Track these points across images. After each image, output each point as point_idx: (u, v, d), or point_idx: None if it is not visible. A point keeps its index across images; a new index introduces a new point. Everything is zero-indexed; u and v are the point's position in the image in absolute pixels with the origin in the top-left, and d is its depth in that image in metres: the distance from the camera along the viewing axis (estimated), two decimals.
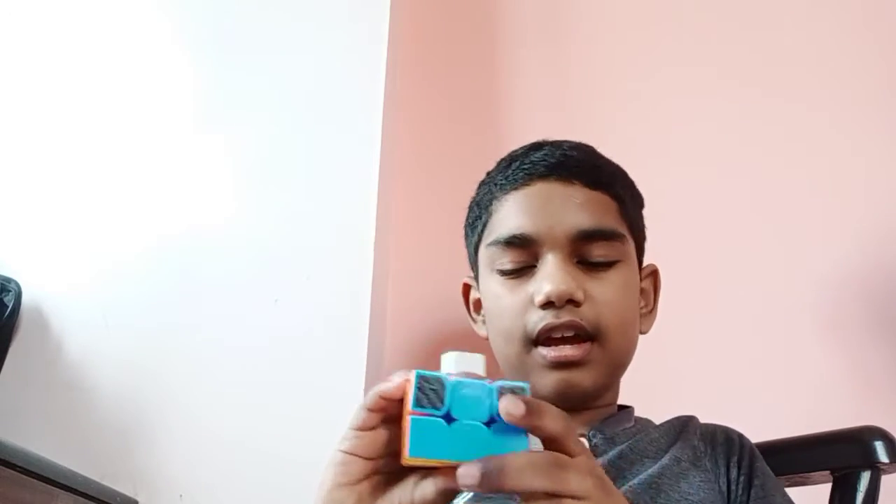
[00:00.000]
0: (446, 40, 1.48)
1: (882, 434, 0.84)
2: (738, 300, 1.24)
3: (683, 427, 0.78)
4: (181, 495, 1.05)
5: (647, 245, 0.85)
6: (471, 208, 0.85)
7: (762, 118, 1.34)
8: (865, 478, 0.83)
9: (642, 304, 0.82)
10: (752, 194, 1.30)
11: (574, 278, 0.73)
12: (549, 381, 0.74)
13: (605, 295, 0.74)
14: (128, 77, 1.31)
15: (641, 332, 0.81)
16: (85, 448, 1.07)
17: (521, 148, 0.83)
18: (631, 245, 0.79)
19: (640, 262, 0.82)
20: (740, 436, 0.79)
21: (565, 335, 0.73)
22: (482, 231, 0.81)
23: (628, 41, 1.44)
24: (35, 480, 0.85)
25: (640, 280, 0.82)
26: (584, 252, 0.75)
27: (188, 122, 1.27)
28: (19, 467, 0.82)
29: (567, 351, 0.73)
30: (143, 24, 1.34)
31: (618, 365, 0.78)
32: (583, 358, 0.73)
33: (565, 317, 0.72)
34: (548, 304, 0.72)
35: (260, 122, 1.25)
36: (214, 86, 1.29)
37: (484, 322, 0.83)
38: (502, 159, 0.84)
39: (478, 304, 0.85)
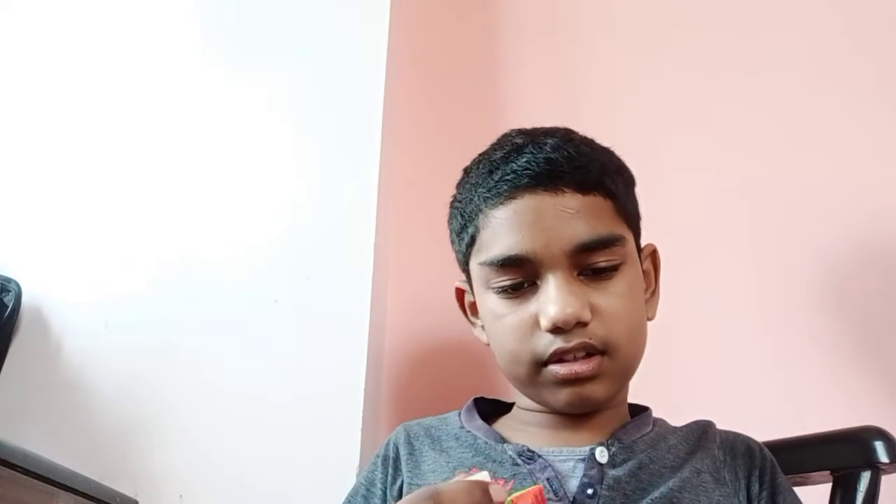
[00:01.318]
0: (447, 40, 1.48)
1: (882, 434, 0.84)
2: (738, 299, 1.24)
3: (703, 434, 0.77)
4: (181, 495, 1.05)
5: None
6: (454, 214, 0.81)
7: (763, 114, 1.34)
8: (865, 478, 0.83)
9: (644, 287, 0.79)
10: (752, 191, 1.30)
11: (578, 296, 0.70)
12: (561, 396, 0.72)
13: (613, 306, 0.71)
14: (128, 78, 1.31)
15: (648, 319, 0.79)
16: (85, 448, 1.07)
17: (500, 149, 0.77)
18: (630, 239, 0.76)
19: (639, 247, 0.79)
20: (761, 447, 0.78)
21: (577, 355, 0.71)
22: (470, 244, 0.78)
23: (629, 37, 1.44)
24: (35, 480, 0.85)
25: (642, 263, 0.79)
26: (585, 264, 0.72)
27: (188, 122, 1.27)
28: (19, 467, 0.82)
29: (577, 367, 0.71)
30: (141, 29, 1.34)
31: (630, 370, 0.76)
32: (594, 371, 0.71)
33: (575, 340, 0.70)
34: (556, 328, 0.70)
35: (259, 122, 1.25)
36: (214, 85, 1.29)
37: (483, 328, 0.81)
38: (481, 162, 0.79)
39: (474, 308, 0.82)
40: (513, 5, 1.48)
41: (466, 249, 0.78)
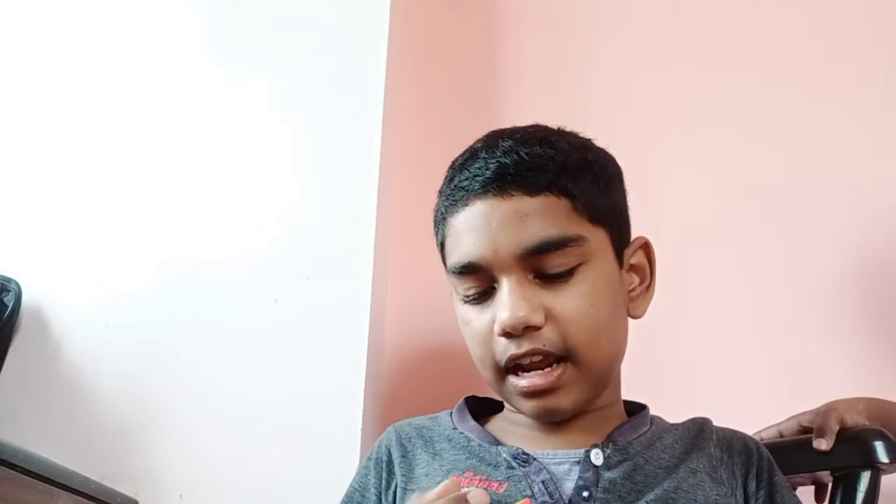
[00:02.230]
0: (447, 41, 1.48)
1: (882, 434, 0.84)
2: (739, 298, 1.24)
3: (699, 432, 0.76)
4: (181, 495, 1.05)
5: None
6: (433, 219, 0.81)
7: (765, 112, 1.34)
8: (865, 478, 0.83)
9: (636, 282, 0.77)
10: (753, 190, 1.30)
11: (529, 300, 0.69)
12: (527, 408, 0.72)
13: (568, 308, 0.70)
14: (128, 78, 1.31)
15: (635, 317, 0.77)
16: (85, 448, 1.07)
17: (462, 155, 0.77)
18: (595, 237, 0.72)
19: (620, 242, 0.76)
20: (758, 445, 0.78)
21: (533, 360, 0.70)
22: (442, 250, 0.79)
23: (629, 36, 1.43)
24: (35, 480, 0.85)
25: (629, 258, 0.77)
26: (538, 266, 0.70)
27: (188, 122, 1.27)
28: (19, 467, 0.82)
29: (536, 380, 0.69)
30: (141, 29, 1.34)
31: (599, 376, 0.74)
32: (554, 384, 0.70)
33: (526, 345, 0.69)
34: (506, 334, 0.69)
35: (260, 122, 1.25)
36: (215, 85, 1.29)
37: None
38: (448, 171, 0.79)
39: None
40: (513, 5, 1.48)
41: (442, 256, 0.79)
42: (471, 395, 0.83)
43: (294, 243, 1.17)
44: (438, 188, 0.81)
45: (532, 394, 0.70)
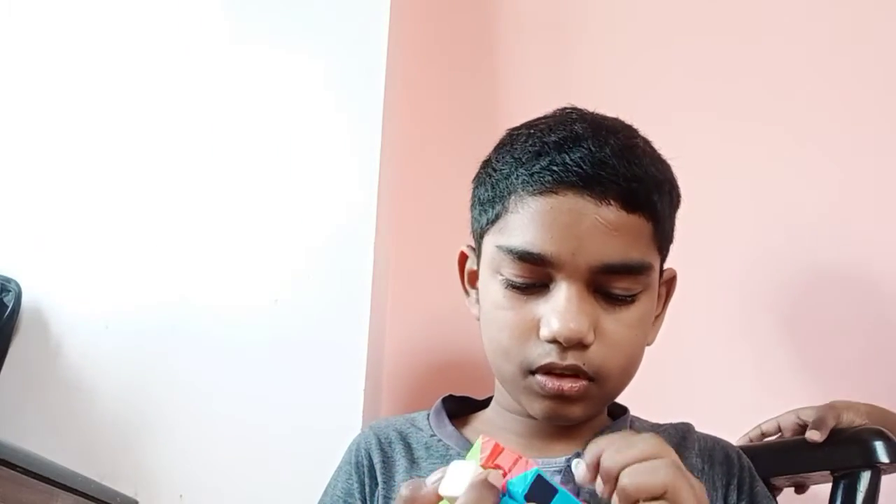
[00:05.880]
0: (448, 40, 1.48)
1: (882, 434, 0.85)
2: (741, 298, 1.24)
3: (681, 440, 0.75)
4: (181, 495, 1.05)
5: None
6: (484, 180, 0.75)
7: (768, 115, 1.34)
8: (865, 478, 0.83)
9: (654, 314, 0.75)
10: (758, 191, 1.30)
11: (588, 315, 0.67)
12: (539, 406, 0.70)
13: (618, 334, 0.68)
14: (126, 76, 1.31)
15: (647, 344, 0.75)
16: (85, 448, 1.07)
17: (555, 132, 0.71)
18: (657, 266, 0.72)
19: (661, 270, 0.75)
20: (739, 454, 0.77)
21: (565, 372, 0.68)
22: (493, 220, 0.72)
23: (631, 36, 1.43)
24: (35, 480, 0.85)
25: (659, 286, 0.75)
26: (604, 284, 0.68)
27: (187, 122, 1.27)
28: (19, 467, 0.82)
29: (565, 385, 0.68)
30: (140, 20, 1.34)
31: (613, 396, 0.75)
32: (578, 395, 0.68)
33: (570, 360, 0.67)
34: (554, 341, 0.67)
35: (260, 121, 1.25)
36: (214, 85, 1.29)
37: (478, 301, 0.76)
38: (531, 137, 0.72)
39: (473, 277, 0.77)
40: (513, 5, 1.48)
41: (486, 223, 0.73)
42: (448, 395, 0.82)
43: (294, 243, 1.17)
44: (503, 145, 0.75)
45: (554, 397, 0.68)
